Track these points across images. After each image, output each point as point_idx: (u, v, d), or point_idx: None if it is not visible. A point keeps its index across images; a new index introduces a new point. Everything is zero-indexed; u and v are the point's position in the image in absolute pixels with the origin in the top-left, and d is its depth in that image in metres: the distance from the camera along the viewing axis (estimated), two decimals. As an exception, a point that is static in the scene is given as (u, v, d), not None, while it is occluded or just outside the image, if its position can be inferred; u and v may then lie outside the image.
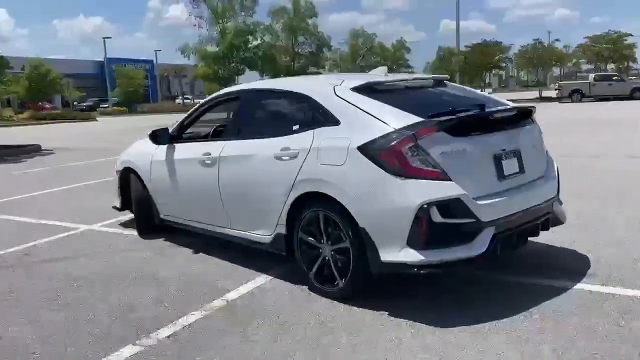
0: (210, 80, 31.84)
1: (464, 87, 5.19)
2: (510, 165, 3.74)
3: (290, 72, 34.56)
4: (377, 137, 3.44)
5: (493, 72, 55.37)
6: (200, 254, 4.99)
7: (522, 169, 3.82)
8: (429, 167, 3.35)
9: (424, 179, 3.32)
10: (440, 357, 2.92)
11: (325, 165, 3.65)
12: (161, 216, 5.49)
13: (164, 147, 5.34)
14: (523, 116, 4.11)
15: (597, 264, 4.13)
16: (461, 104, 3.89)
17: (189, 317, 3.60)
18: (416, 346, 3.05)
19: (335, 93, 3.89)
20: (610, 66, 59.39)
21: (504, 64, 58.15)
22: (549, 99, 35.60)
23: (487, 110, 3.79)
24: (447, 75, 5.16)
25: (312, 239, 3.85)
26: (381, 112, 3.60)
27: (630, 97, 31.35)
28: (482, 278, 3.97)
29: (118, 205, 6.20)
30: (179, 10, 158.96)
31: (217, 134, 5.45)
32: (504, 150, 3.71)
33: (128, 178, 5.83)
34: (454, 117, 3.51)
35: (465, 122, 3.54)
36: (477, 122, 3.70)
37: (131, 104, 50.96)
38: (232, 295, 3.96)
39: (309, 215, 3.82)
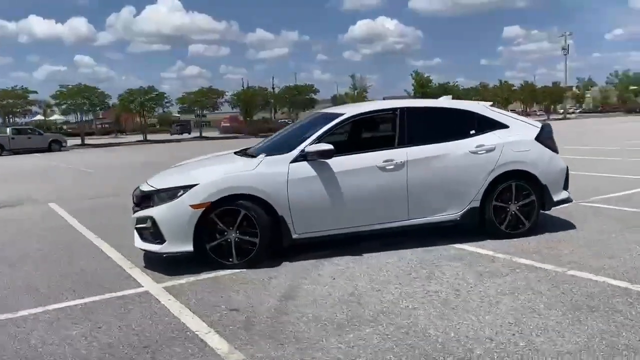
0: None
1: None
2: None
3: None
4: (538, 132, 6.09)
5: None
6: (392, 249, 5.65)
7: None
8: (557, 147, 6.25)
9: (557, 153, 6.22)
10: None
11: (518, 152, 5.93)
12: (294, 236, 5.38)
13: (304, 165, 5.36)
14: None
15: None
16: None
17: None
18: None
19: (491, 109, 6.12)
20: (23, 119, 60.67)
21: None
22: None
23: None
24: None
25: (502, 203, 5.89)
26: (522, 119, 6.26)
27: (49, 149, 33.51)
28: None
29: (190, 248, 5.07)
30: None
31: (356, 146, 6.02)
32: None
33: (230, 208, 5.13)
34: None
35: None
36: None
37: None
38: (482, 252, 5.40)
39: (502, 187, 5.86)
